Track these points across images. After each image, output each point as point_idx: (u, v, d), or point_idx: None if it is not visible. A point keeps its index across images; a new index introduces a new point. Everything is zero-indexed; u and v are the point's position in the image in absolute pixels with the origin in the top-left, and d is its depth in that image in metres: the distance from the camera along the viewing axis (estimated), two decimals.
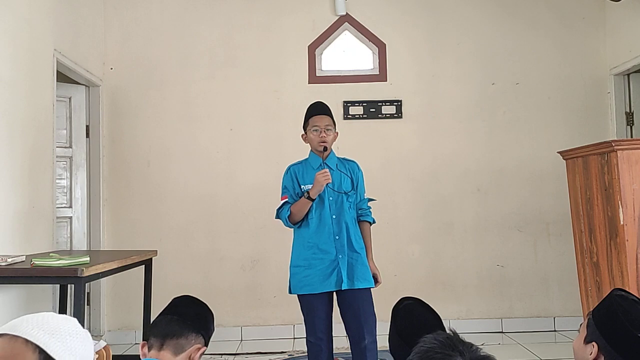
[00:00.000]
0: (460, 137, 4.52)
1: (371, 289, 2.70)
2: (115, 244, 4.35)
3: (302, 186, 2.72)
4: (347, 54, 4.62)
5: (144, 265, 3.52)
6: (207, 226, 4.42)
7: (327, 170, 2.63)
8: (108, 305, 4.32)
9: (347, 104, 4.49)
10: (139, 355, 1.77)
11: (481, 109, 4.54)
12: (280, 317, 4.38)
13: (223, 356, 3.90)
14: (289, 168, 2.81)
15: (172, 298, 1.94)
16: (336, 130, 2.81)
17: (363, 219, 2.80)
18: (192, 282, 4.27)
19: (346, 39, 4.63)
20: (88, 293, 4.19)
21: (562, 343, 4.03)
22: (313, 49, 4.56)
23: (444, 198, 4.48)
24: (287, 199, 2.73)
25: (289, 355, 3.92)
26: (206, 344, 1.84)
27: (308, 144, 2.82)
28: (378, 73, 4.56)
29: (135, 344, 4.19)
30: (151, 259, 3.58)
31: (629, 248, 2.81)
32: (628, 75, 4.47)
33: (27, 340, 1.02)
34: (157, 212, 4.41)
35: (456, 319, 4.30)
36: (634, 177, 2.83)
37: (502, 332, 4.37)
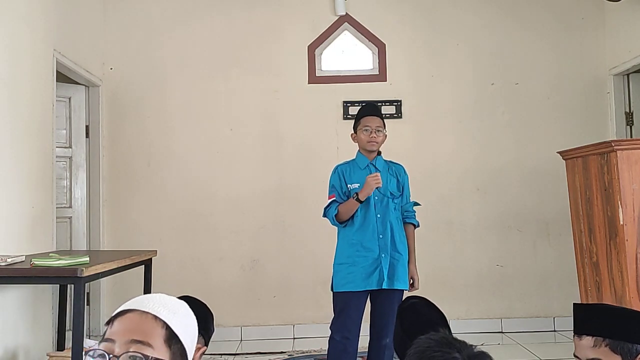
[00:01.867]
0: (460, 137, 4.52)
1: (405, 291, 2.74)
2: (115, 244, 4.35)
3: (348, 185, 2.75)
4: (347, 54, 4.63)
5: (143, 265, 3.51)
6: (207, 226, 4.42)
7: (379, 174, 2.65)
8: (108, 305, 4.32)
9: (346, 104, 4.49)
10: None
11: (480, 109, 4.54)
12: (280, 317, 4.38)
13: (223, 356, 3.90)
14: (336, 168, 2.84)
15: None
16: (386, 132, 2.81)
17: (408, 221, 2.83)
18: (192, 282, 4.27)
19: (346, 39, 4.63)
20: (88, 293, 4.19)
21: (561, 343, 4.03)
22: (313, 49, 4.56)
23: (443, 198, 4.48)
24: (334, 198, 2.75)
25: (289, 355, 3.92)
26: (206, 344, 1.84)
27: (356, 143, 2.84)
28: (378, 73, 4.56)
29: None
30: (151, 259, 3.58)
31: (628, 248, 2.81)
32: (627, 75, 4.47)
33: (155, 317, 1.08)
34: (157, 212, 4.41)
35: (456, 319, 4.29)
36: (634, 177, 2.83)
37: (501, 332, 4.37)
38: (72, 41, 3.92)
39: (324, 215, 2.80)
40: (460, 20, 4.59)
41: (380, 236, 2.69)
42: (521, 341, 4.10)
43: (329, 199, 2.77)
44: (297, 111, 4.51)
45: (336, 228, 2.82)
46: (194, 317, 1.18)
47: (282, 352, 3.97)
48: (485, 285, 4.45)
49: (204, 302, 1.94)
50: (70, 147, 4.20)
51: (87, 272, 2.53)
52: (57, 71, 3.69)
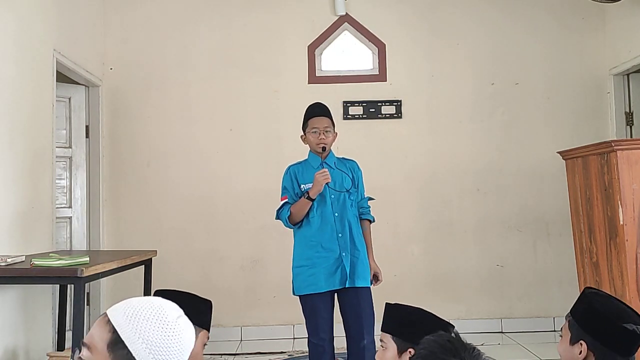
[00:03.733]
0: (460, 137, 4.52)
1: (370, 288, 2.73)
2: (115, 244, 4.35)
3: (301, 185, 2.73)
4: (347, 54, 4.62)
5: (143, 265, 3.52)
6: (207, 226, 4.42)
7: (327, 169, 2.63)
8: (108, 305, 4.28)
9: (346, 104, 4.49)
10: None
11: (481, 109, 4.54)
12: (280, 317, 4.38)
13: (223, 356, 3.90)
14: (288, 168, 2.82)
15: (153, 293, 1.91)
16: (335, 131, 2.80)
17: (364, 217, 2.82)
18: (192, 282, 4.25)
19: (346, 39, 4.62)
20: (88, 293, 4.18)
21: None
22: (313, 49, 4.56)
23: (443, 198, 4.48)
24: (287, 200, 2.74)
25: (289, 355, 3.92)
26: (202, 327, 1.83)
27: (307, 145, 2.82)
28: (378, 73, 4.56)
29: None
30: (151, 259, 3.58)
31: (628, 248, 2.81)
32: (627, 75, 4.47)
33: (108, 320, 1.06)
34: (156, 212, 4.41)
35: (456, 319, 4.28)
36: (634, 177, 2.83)
37: (502, 332, 4.37)
38: (72, 41, 3.92)
39: (277, 218, 2.78)
40: (460, 20, 4.59)
41: (340, 235, 2.66)
42: (521, 341, 4.10)
43: (281, 200, 2.75)
44: (297, 111, 4.46)
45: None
46: (167, 325, 1.06)
47: (282, 352, 3.98)
48: (485, 285, 4.45)
49: (194, 294, 1.91)
50: (70, 147, 4.20)
51: (87, 272, 2.54)
52: (57, 71, 3.68)
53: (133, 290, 4.00)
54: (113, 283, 4.28)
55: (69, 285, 3.37)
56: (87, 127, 4.30)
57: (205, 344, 1.85)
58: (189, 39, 4.53)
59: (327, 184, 2.62)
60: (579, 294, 3.48)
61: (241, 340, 4.32)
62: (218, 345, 4.02)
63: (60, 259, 2.62)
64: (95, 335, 1.05)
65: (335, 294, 2.70)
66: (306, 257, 2.68)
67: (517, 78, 4.56)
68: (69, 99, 4.21)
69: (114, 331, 1.04)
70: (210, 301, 1.95)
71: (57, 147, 3.77)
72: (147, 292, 3.54)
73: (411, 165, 4.48)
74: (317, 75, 4.54)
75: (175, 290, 1.91)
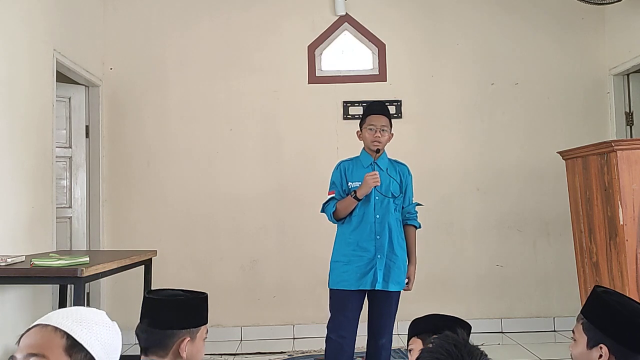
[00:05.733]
0: (460, 137, 4.52)
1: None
2: (115, 244, 4.35)
3: (349, 183, 2.73)
4: (347, 54, 4.62)
5: (143, 265, 3.52)
6: (207, 226, 4.42)
7: (377, 172, 2.64)
8: (108, 306, 4.32)
9: (346, 104, 4.49)
10: (139, 355, 1.77)
11: (480, 109, 4.54)
12: (280, 317, 4.38)
13: (223, 356, 3.90)
14: (339, 164, 2.82)
15: (144, 298, 1.87)
16: (392, 132, 2.80)
17: (409, 223, 2.82)
18: (192, 282, 4.24)
19: (346, 39, 4.63)
20: (88, 293, 4.18)
21: (561, 343, 4.03)
22: (313, 49, 4.56)
23: (443, 198, 4.48)
24: (334, 195, 2.74)
25: (289, 355, 3.92)
26: (200, 325, 1.82)
27: (362, 141, 2.82)
28: (378, 73, 4.56)
29: (135, 344, 4.18)
30: (151, 259, 3.58)
31: (628, 248, 2.81)
32: (627, 75, 4.47)
33: (55, 328, 1.13)
34: (157, 212, 4.41)
35: None
36: (634, 177, 2.84)
37: (501, 332, 4.37)
38: (72, 41, 3.92)
39: (322, 211, 2.79)
40: (460, 20, 4.59)
41: (378, 237, 2.67)
42: (521, 341, 4.10)
43: (329, 195, 2.76)
44: (297, 111, 4.51)
45: (336, 226, 2.82)
46: (111, 325, 1.23)
47: (282, 352, 3.97)
48: (485, 285, 4.45)
49: (177, 296, 1.84)
50: (70, 147, 4.20)
51: (87, 272, 2.54)
52: (57, 71, 3.68)
53: (133, 290, 4.02)
54: (113, 283, 4.29)
55: (69, 285, 3.36)
56: (87, 127, 4.30)
57: (204, 338, 1.84)
58: (189, 39, 4.53)
59: (375, 186, 2.63)
60: (579, 294, 3.50)
61: (241, 340, 4.32)
62: (218, 345, 4.03)
63: (60, 259, 2.62)
64: (44, 343, 1.11)
65: (366, 295, 2.71)
66: (343, 254, 2.71)
67: (517, 78, 4.56)
68: (69, 99, 4.21)
69: (68, 336, 1.12)
70: (206, 294, 1.93)
71: (57, 147, 3.77)
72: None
73: (411, 165, 4.41)
74: (317, 75, 4.54)
75: (171, 290, 1.89)
